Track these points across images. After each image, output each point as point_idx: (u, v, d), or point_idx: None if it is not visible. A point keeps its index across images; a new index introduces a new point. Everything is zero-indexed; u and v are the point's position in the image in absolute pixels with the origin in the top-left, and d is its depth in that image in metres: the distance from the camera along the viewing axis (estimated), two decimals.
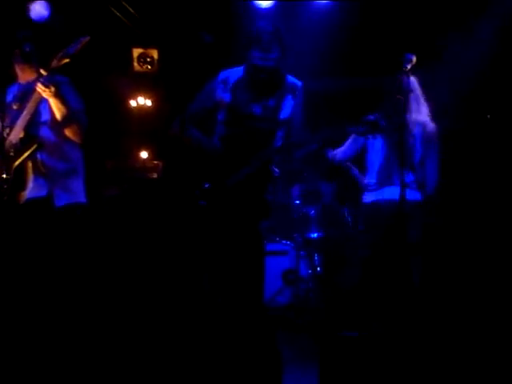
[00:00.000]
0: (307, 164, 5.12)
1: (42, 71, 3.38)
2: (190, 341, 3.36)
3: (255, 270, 3.27)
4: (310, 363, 3.51)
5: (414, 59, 3.43)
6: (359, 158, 4.31)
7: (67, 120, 3.51)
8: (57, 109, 3.48)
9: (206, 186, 3.29)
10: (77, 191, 3.66)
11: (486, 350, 3.01)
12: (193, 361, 3.23)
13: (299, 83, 3.43)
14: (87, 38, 3.38)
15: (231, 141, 3.35)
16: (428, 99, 4.08)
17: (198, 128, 3.42)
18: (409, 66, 3.43)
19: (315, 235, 5.51)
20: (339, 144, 4.33)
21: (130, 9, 5.65)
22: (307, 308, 5.18)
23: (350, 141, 4.26)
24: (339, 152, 4.34)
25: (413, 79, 3.94)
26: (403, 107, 3.49)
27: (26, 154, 3.48)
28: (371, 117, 3.63)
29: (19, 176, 3.48)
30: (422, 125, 4.05)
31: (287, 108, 3.37)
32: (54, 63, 3.38)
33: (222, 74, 3.43)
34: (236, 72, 3.42)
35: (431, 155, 4.08)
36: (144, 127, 6.38)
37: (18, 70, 3.65)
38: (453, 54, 5.05)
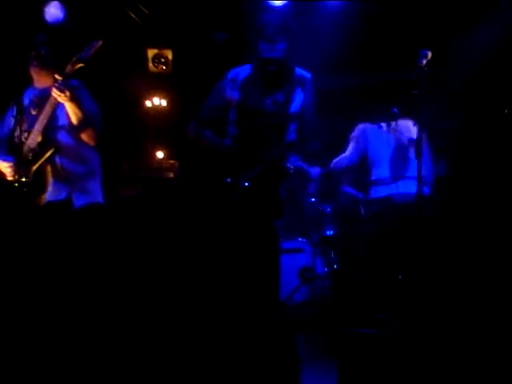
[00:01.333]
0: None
1: (57, 76, 3.43)
2: (207, 340, 3.37)
3: (271, 269, 3.28)
4: (327, 361, 3.51)
5: (430, 55, 3.42)
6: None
7: (83, 124, 3.55)
8: (73, 113, 3.52)
9: (228, 180, 3.29)
10: (94, 192, 3.71)
11: (499, 346, 2.99)
12: (211, 360, 3.24)
13: (308, 75, 3.42)
14: (100, 43, 3.42)
15: (243, 140, 3.36)
16: (441, 94, 4.07)
17: (212, 129, 3.45)
18: (424, 62, 3.42)
19: (331, 232, 5.50)
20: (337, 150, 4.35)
21: (145, 9, 5.67)
22: (324, 305, 5.17)
23: (352, 145, 4.26)
24: (345, 158, 4.33)
25: None
26: (420, 102, 3.48)
27: (44, 158, 3.54)
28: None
29: (38, 179, 3.54)
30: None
31: (297, 101, 3.37)
32: (68, 68, 3.42)
33: (231, 73, 3.45)
34: (244, 69, 3.43)
35: (428, 152, 4.10)
36: (160, 127, 6.41)
37: (33, 73, 3.69)
38: (468, 50, 5.01)
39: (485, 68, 5.11)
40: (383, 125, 4.21)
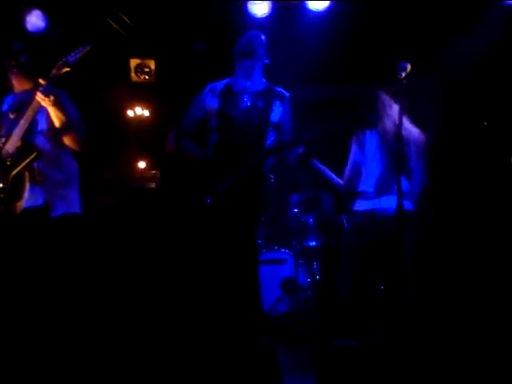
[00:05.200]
0: (298, 168, 5.13)
1: (41, 80, 3.39)
2: (187, 350, 3.34)
3: (249, 278, 3.27)
4: (308, 372, 3.49)
5: (409, 67, 3.44)
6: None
7: (66, 128, 3.51)
8: (56, 117, 3.48)
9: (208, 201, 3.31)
10: (72, 201, 3.66)
11: (483, 357, 3.00)
12: (191, 371, 3.22)
13: (287, 94, 3.56)
14: (88, 47, 3.39)
15: (224, 147, 3.39)
16: (422, 107, 4.09)
17: (192, 140, 3.48)
18: (403, 74, 3.44)
19: (314, 243, 5.50)
20: (326, 151, 4.34)
21: (127, 19, 5.66)
22: (306, 316, 5.16)
23: (350, 159, 4.26)
24: (346, 174, 4.31)
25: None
26: (400, 115, 3.50)
27: (23, 164, 3.48)
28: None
29: (16, 185, 3.47)
30: (413, 133, 4.06)
31: (276, 112, 3.46)
32: (54, 72, 3.38)
33: (209, 86, 3.57)
34: (222, 82, 3.54)
35: (419, 164, 4.09)
36: (141, 137, 6.40)
37: (13, 80, 3.66)
38: (447, 61, 5.06)
39: (465, 80, 5.17)
40: (377, 134, 4.16)
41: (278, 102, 3.46)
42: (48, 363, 3.24)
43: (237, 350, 3.15)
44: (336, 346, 3.11)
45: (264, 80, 3.54)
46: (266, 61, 3.47)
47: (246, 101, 3.44)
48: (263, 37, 3.51)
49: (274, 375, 3.15)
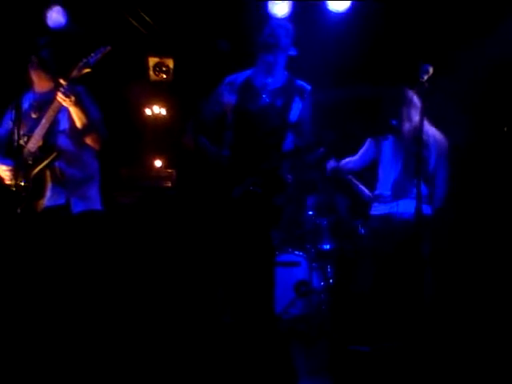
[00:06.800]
0: (320, 174, 5.08)
1: (62, 81, 3.41)
2: (201, 353, 3.33)
3: (265, 279, 3.24)
4: (322, 376, 3.47)
5: (431, 70, 3.40)
6: (368, 169, 4.27)
7: (87, 128, 3.54)
8: (77, 118, 3.51)
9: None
10: (93, 198, 3.68)
11: (497, 363, 2.96)
12: (203, 372, 3.20)
13: (308, 87, 3.41)
14: (108, 48, 3.41)
15: (239, 147, 3.31)
16: (443, 111, 4.05)
17: (209, 136, 3.41)
18: (425, 77, 3.40)
19: (328, 247, 5.47)
20: (346, 153, 4.30)
21: (147, 18, 5.67)
22: (319, 320, 5.12)
23: (362, 151, 4.23)
24: (351, 161, 4.30)
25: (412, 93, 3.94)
26: (420, 120, 3.46)
27: (44, 163, 3.51)
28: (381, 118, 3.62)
29: (37, 184, 3.51)
30: (434, 137, 4.01)
31: (295, 110, 3.34)
32: (75, 73, 3.41)
33: (229, 77, 3.45)
34: (243, 74, 3.43)
35: (441, 168, 4.04)
36: (158, 136, 6.41)
37: (33, 76, 3.67)
38: (469, 65, 5.01)
39: (485, 85, 5.11)
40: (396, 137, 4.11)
41: (297, 99, 3.33)
42: (62, 359, 3.25)
43: (252, 352, 3.13)
44: (350, 352, 3.08)
45: (285, 73, 3.41)
46: (290, 51, 3.33)
47: (265, 97, 3.34)
48: (289, 25, 3.38)
49: (290, 377, 3.13)
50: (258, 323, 3.17)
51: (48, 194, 3.53)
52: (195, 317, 3.89)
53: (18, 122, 3.54)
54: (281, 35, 3.30)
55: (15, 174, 3.50)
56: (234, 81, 3.41)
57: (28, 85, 3.72)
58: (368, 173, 4.33)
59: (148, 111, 6.52)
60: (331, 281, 5.35)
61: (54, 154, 3.52)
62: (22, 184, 3.48)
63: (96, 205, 3.69)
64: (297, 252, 5.45)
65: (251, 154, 3.27)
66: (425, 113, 3.52)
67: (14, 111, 3.57)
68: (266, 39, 3.29)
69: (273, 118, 3.32)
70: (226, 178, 3.28)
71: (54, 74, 3.60)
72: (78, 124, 3.52)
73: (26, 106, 3.68)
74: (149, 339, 3.71)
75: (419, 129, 3.44)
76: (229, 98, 3.36)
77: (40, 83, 3.68)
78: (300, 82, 3.41)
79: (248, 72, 3.43)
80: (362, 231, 5.45)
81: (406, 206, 3.90)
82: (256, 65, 3.41)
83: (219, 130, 3.42)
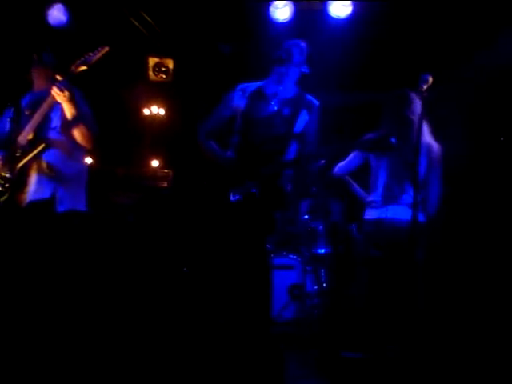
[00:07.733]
0: (316, 179, 5.11)
1: (58, 76, 3.42)
2: (195, 355, 3.33)
3: (262, 285, 3.25)
4: (314, 380, 3.48)
5: (430, 79, 3.41)
6: (361, 173, 4.28)
7: (76, 121, 3.54)
8: (68, 111, 3.52)
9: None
10: (78, 198, 3.68)
11: (494, 370, 2.98)
12: (197, 374, 3.21)
13: (316, 102, 3.49)
14: (106, 49, 3.44)
15: (244, 151, 3.37)
16: (439, 120, 4.06)
17: (217, 140, 3.47)
18: (425, 87, 3.41)
19: (322, 251, 5.47)
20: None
21: (148, 18, 5.68)
22: (312, 324, 5.13)
23: (351, 156, 4.25)
24: (339, 166, 4.32)
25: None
26: (418, 126, 3.48)
27: (31, 155, 3.52)
28: (371, 135, 3.62)
29: (21, 177, 3.51)
30: (428, 145, 4.03)
31: (301, 121, 3.41)
32: (72, 69, 3.43)
33: (242, 85, 3.52)
34: (255, 84, 3.50)
35: (434, 176, 4.05)
36: (156, 136, 6.41)
37: (34, 75, 3.70)
38: (466, 75, 5.03)
39: (483, 94, 5.14)
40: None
41: (305, 111, 3.42)
42: (48, 359, 3.24)
43: (244, 355, 3.14)
44: (341, 357, 3.09)
45: (296, 88, 3.49)
46: (303, 69, 3.41)
47: (273, 105, 3.42)
48: (303, 45, 3.45)
49: (280, 380, 3.14)
50: (253, 326, 3.18)
51: (33, 187, 3.53)
52: (190, 318, 3.89)
53: (16, 120, 3.56)
54: (295, 53, 3.40)
55: (2, 166, 3.52)
56: (246, 88, 3.49)
57: (29, 86, 3.75)
58: (365, 174, 4.35)
59: (146, 111, 6.52)
60: (325, 285, 5.36)
61: (42, 146, 3.52)
62: (7, 176, 3.48)
63: (81, 205, 3.69)
64: (291, 255, 5.46)
65: (254, 158, 3.31)
66: (423, 121, 3.54)
67: (12, 110, 3.59)
68: (280, 54, 3.38)
69: (279, 125, 3.39)
70: (227, 180, 3.31)
71: (53, 73, 3.61)
72: (68, 116, 3.52)
73: (23, 105, 3.71)
74: (142, 341, 3.70)
75: (417, 137, 3.45)
76: (239, 103, 3.43)
77: (39, 82, 3.71)
78: (309, 97, 3.49)
79: (261, 82, 3.51)
80: (357, 236, 5.47)
81: (395, 212, 3.92)
82: (269, 76, 3.49)
83: (227, 135, 3.47)
